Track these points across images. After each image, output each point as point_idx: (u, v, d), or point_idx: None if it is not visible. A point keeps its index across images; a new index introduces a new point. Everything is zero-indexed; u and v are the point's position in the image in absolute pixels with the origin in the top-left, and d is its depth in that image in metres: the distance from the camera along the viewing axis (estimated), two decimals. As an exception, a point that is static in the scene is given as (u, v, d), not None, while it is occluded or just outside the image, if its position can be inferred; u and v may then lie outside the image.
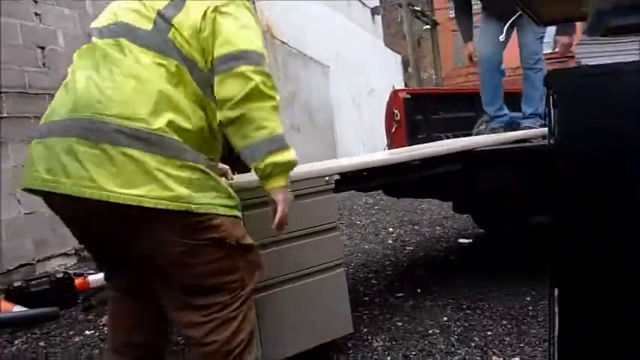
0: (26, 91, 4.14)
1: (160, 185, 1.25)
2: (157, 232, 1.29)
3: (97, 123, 1.26)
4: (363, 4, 13.13)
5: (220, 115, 1.39)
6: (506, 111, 3.78)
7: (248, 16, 1.45)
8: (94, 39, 1.43)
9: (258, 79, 1.35)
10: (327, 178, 2.02)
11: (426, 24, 21.99)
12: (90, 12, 4.79)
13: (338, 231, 2.11)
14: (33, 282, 3.35)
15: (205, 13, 1.39)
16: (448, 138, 3.73)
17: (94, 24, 1.50)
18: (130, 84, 1.30)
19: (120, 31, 1.40)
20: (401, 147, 3.37)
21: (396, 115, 3.47)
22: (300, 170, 1.84)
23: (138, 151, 1.24)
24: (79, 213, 1.32)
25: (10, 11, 4.05)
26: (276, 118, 1.41)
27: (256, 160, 1.40)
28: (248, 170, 1.60)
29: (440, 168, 2.53)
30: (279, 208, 1.45)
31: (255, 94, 1.35)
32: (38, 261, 4.12)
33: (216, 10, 1.39)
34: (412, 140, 3.49)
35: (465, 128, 3.92)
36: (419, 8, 19.65)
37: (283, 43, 8.46)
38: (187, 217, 1.29)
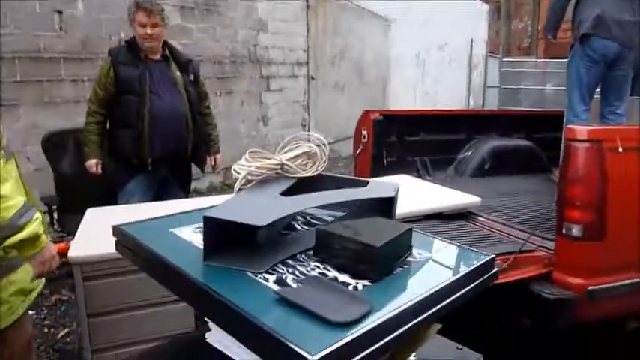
0: (40, 55, 4.37)
1: None
2: None
3: None
4: (448, -49, 11.96)
5: None
6: None
7: None
8: None
9: None
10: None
11: (529, -32, 19.79)
12: (113, -26, 4.85)
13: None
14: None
15: None
16: (424, 163, 3.52)
17: None
18: None
19: None
20: (363, 174, 3.25)
21: (364, 137, 3.30)
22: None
23: None
24: None
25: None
26: None
27: None
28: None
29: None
30: None
31: None
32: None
33: None
34: (378, 165, 3.32)
35: (450, 152, 3.66)
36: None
37: (337, -2, 8.10)
38: None
